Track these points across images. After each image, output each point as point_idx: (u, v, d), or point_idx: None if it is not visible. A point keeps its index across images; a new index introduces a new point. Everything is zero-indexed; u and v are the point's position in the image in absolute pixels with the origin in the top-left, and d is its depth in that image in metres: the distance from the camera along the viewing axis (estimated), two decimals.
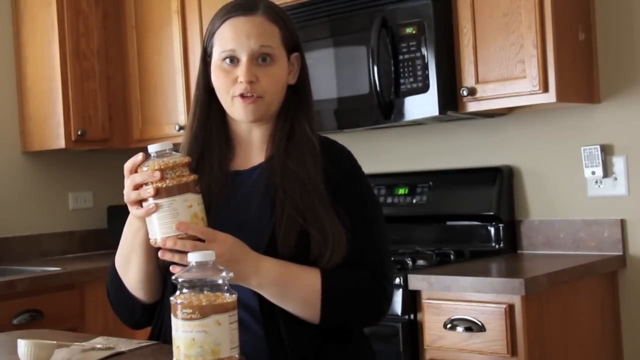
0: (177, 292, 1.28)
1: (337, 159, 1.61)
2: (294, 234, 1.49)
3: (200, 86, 1.63)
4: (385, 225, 1.64)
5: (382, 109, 2.72)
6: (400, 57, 2.70)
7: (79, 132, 3.48)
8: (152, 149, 1.41)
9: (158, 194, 1.38)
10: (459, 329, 2.33)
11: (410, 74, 2.68)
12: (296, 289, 1.48)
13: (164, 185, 1.38)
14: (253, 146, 1.63)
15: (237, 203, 1.58)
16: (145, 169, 1.39)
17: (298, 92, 1.62)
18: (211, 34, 1.59)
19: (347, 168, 1.62)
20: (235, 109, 1.56)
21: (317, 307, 1.49)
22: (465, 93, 2.63)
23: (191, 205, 1.39)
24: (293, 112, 1.60)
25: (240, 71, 1.53)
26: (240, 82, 1.53)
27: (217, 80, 1.57)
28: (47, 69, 3.52)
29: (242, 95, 1.54)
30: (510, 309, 2.25)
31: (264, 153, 1.61)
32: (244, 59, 1.53)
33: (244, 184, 1.60)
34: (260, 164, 1.60)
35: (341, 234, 1.51)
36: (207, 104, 1.62)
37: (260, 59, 1.54)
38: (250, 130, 1.63)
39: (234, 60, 1.55)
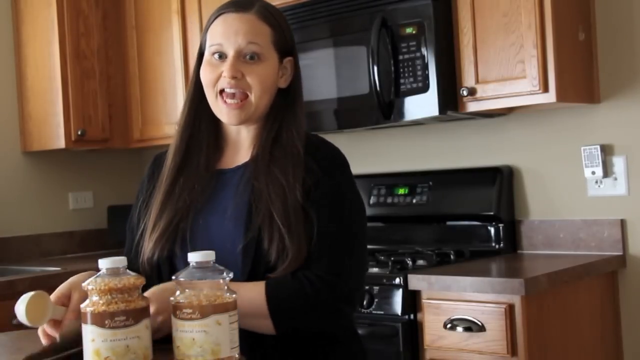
0: (177, 292, 1.28)
1: (322, 156, 1.57)
2: (276, 241, 1.47)
3: (193, 82, 1.63)
4: (361, 226, 1.58)
5: (382, 109, 2.72)
6: (400, 57, 2.70)
7: (79, 132, 3.48)
8: (102, 264, 1.26)
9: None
10: (459, 329, 2.33)
11: (410, 74, 2.68)
12: (243, 305, 1.39)
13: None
14: (241, 146, 1.63)
15: (218, 203, 1.57)
16: (90, 287, 1.23)
17: (289, 96, 1.61)
18: (206, 29, 1.60)
19: (330, 166, 1.56)
20: (219, 111, 1.57)
21: (268, 318, 1.45)
22: (465, 93, 2.62)
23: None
24: (282, 116, 1.59)
25: (225, 66, 1.54)
26: (224, 77, 1.53)
27: (204, 74, 1.58)
28: (47, 69, 3.52)
29: (226, 93, 1.54)
30: (510, 309, 2.25)
31: (250, 153, 1.61)
32: (230, 54, 1.54)
33: (226, 183, 1.59)
34: (244, 163, 1.60)
35: (302, 249, 1.47)
36: (197, 100, 1.62)
37: (248, 56, 1.54)
38: (239, 131, 1.63)
39: (222, 55, 1.55)
